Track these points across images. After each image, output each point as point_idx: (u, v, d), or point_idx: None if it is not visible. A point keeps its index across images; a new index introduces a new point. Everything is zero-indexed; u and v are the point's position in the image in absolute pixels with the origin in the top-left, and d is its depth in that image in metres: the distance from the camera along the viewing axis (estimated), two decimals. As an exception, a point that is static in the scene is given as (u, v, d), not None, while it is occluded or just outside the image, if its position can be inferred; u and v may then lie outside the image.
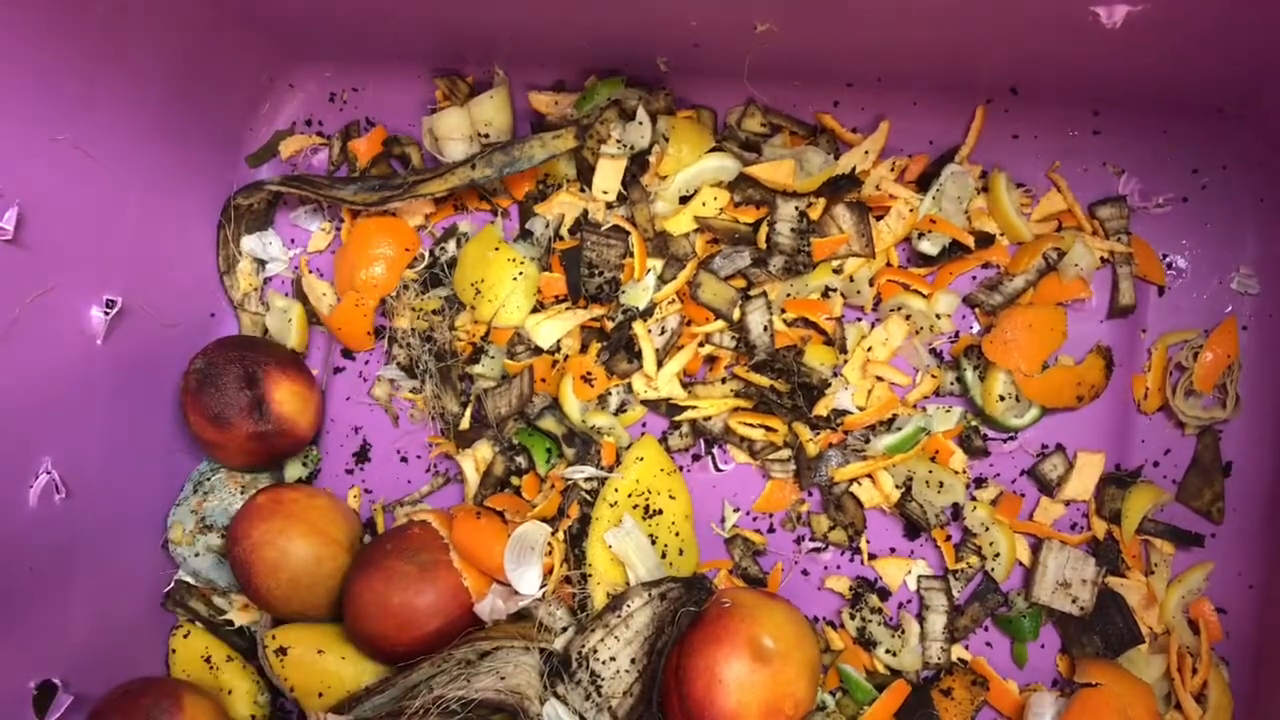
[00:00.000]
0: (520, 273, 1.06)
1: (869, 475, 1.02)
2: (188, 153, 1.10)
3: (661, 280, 1.05)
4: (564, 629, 0.99)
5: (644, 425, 1.08)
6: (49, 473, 0.95)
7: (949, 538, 1.03)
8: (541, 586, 0.99)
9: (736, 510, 1.06)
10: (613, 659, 0.93)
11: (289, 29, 1.10)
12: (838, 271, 1.03)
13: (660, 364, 1.04)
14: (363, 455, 1.15)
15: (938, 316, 1.03)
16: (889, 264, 1.05)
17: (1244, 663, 0.99)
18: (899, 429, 1.01)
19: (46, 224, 0.91)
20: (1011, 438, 1.03)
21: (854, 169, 1.03)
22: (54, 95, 0.90)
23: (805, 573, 1.06)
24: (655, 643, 0.94)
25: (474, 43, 1.09)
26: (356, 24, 1.07)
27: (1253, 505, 1.00)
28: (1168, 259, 1.02)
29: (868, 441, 1.01)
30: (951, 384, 1.03)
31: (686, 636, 0.92)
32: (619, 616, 0.95)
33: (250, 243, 1.17)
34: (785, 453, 1.04)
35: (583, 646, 0.94)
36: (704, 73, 1.06)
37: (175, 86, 1.04)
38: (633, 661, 0.93)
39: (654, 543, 1.00)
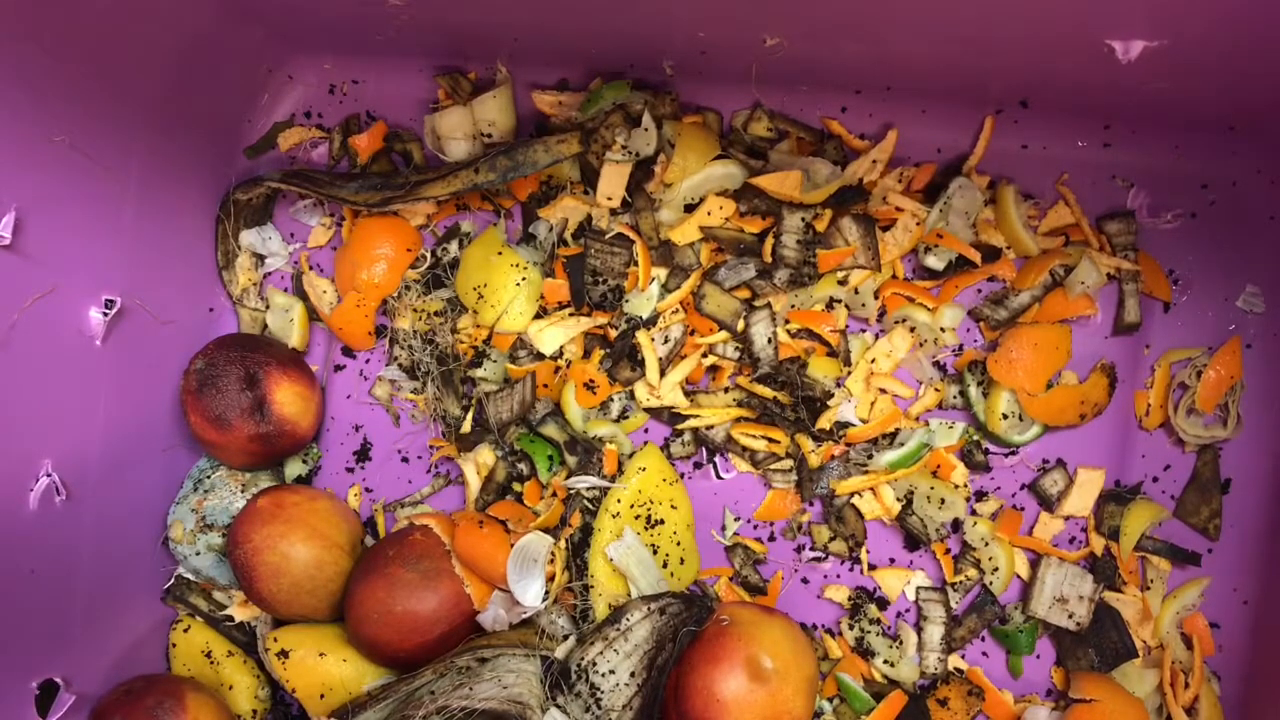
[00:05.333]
0: (523, 278, 1.05)
1: (870, 489, 1.02)
2: (185, 145, 1.08)
3: (665, 289, 1.04)
4: (565, 636, 0.99)
5: (646, 431, 1.08)
6: (49, 475, 0.94)
7: (948, 550, 1.03)
8: (544, 599, 0.99)
9: (737, 519, 1.07)
10: (612, 672, 0.94)
11: (288, 20, 1.07)
12: (843, 283, 1.03)
13: (663, 373, 1.03)
14: (363, 454, 1.15)
15: (942, 330, 1.02)
16: (894, 276, 1.04)
17: (1235, 677, 1.00)
18: (901, 443, 1.01)
19: (44, 226, 0.90)
20: (1013, 452, 1.03)
21: (861, 181, 1.02)
22: (50, 94, 0.88)
23: (805, 581, 1.06)
24: (655, 658, 0.94)
25: (476, 39, 1.07)
26: (356, 16, 1.05)
27: (1250, 522, 1.01)
28: (1174, 275, 1.02)
29: (870, 456, 1.01)
30: (954, 398, 1.03)
31: (686, 654, 0.93)
32: (618, 630, 0.95)
33: (249, 237, 1.16)
34: (787, 463, 1.04)
35: (582, 659, 0.95)
36: (710, 76, 1.04)
37: (172, 77, 1.01)
38: (632, 675, 0.94)
39: (655, 552, 1.00)
